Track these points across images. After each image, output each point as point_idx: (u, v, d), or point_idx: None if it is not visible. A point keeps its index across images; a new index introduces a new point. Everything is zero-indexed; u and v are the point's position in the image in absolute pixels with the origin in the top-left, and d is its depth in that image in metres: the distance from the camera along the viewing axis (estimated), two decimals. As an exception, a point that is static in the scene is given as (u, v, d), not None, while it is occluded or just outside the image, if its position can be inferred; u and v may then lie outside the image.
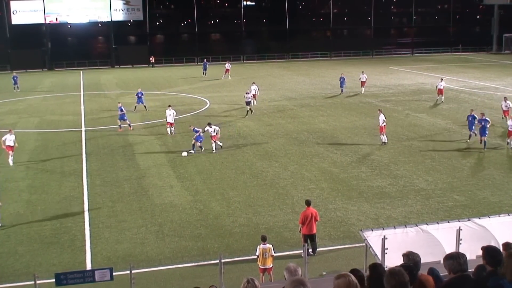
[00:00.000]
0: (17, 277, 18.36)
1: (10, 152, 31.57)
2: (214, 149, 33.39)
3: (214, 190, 26.74)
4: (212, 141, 33.50)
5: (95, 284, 15.22)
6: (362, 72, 56.40)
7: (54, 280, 14.60)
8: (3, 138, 31.65)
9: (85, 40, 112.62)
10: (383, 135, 34.52)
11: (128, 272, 14.83)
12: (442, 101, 48.09)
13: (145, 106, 47.57)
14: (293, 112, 45.87)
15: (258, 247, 17.21)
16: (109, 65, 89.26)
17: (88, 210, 24.38)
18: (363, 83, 55.01)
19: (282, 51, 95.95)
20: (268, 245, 17.15)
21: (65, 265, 19.10)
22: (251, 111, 44.52)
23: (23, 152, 33.90)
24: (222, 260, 15.50)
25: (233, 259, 18.95)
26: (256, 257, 17.28)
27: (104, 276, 14.56)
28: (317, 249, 19.50)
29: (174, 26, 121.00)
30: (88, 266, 18.99)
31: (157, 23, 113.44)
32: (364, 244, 15.05)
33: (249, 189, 26.74)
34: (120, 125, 40.08)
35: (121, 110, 39.92)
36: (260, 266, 17.15)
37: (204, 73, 72.57)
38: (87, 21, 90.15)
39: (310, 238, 19.12)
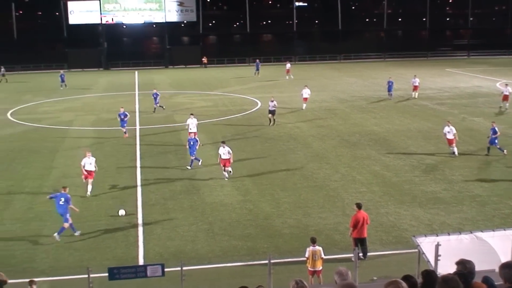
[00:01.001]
0: (71, 270, 18.84)
1: (89, 180, 27.02)
2: (226, 176, 28.68)
3: (264, 190, 26.86)
4: (222, 166, 28.63)
5: (146, 279, 15.54)
6: (414, 76, 54.62)
7: (107, 274, 14.97)
8: (82, 163, 27.35)
9: (139, 41, 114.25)
10: (452, 147, 32.48)
11: (179, 268, 15.08)
12: (506, 108, 45.33)
13: (162, 106, 47.80)
14: (345, 114, 45.64)
15: (307, 249, 17.18)
16: (163, 65, 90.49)
17: (141, 206, 24.84)
18: (415, 88, 53.00)
19: (334, 52, 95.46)
20: (318, 247, 17.09)
21: (118, 260, 19.53)
22: (274, 121, 41.89)
23: (79, 149, 34.73)
24: (271, 261, 15.60)
25: (282, 260, 18.96)
26: (305, 259, 17.28)
27: (155, 272, 14.83)
28: (368, 254, 19.32)
29: (227, 27, 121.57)
30: (141, 262, 19.37)
31: (210, 24, 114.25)
32: (416, 250, 14.87)
33: (299, 190, 26.76)
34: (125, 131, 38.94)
35: (124, 116, 38.77)
36: (309, 268, 17.09)
37: (257, 73, 72.70)
38: (142, 22, 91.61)
39: (360, 242, 18.95)
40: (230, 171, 28.73)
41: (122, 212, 23.96)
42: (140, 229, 22.31)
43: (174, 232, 21.97)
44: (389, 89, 53.06)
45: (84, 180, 27.04)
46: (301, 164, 31.26)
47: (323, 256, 17.10)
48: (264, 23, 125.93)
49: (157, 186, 27.74)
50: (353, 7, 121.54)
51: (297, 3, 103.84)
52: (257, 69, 73.69)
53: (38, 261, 19.47)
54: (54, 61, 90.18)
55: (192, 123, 35.69)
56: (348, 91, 58.34)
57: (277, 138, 37.35)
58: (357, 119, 43.38)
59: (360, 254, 18.25)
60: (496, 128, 32.19)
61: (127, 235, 21.71)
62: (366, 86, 61.64)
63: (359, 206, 19.38)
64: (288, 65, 71.26)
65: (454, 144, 32.42)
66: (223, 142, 29.20)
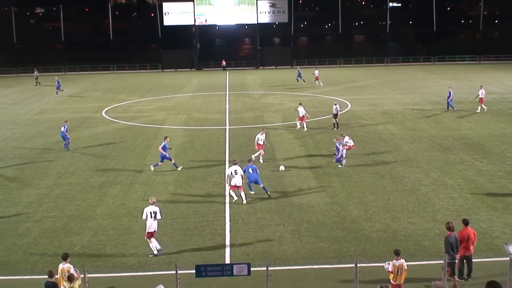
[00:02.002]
0: (160, 266, 19.27)
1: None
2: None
3: (352, 193, 26.53)
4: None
5: (232, 278, 15.66)
6: (481, 86, 48.87)
7: (194, 271, 15.19)
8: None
9: (231, 42, 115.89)
10: None
11: (265, 268, 15.09)
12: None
13: None
14: (437, 117, 44.45)
15: (390, 263, 16.26)
16: (254, 66, 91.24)
17: (229, 206, 25.08)
18: (481, 100, 46.67)
19: (428, 53, 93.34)
20: (402, 260, 16.16)
21: (205, 257, 19.80)
22: (338, 125, 41.06)
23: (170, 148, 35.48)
24: (358, 265, 15.36)
25: (369, 265, 18.65)
26: (388, 271, 16.54)
27: (241, 271, 14.90)
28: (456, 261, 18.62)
29: (318, 28, 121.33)
30: (227, 260, 19.55)
31: (301, 25, 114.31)
32: (508, 258, 14.28)
33: (388, 194, 26.26)
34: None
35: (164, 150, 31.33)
36: (392, 282, 16.25)
37: (301, 80, 68.31)
38: (235, 23, 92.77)
39: (466, 260, 18.09)
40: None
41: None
42: (227, 228, 22.52)
43: (261, 232, 22.04)
44: (449, 102, 47.22)
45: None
46: (391, 167, 30.68)
47: (405, 267, 16.37)
48: (356, 24, 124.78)
49: (245, 185, 27.88)
50: (448, 8, 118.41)
51: (390, 4, 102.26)
52: (299, 76, 68.78)
53: (127, 257, 20.00)
54: (149, 62, 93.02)
55: (260, 139, 32.60)
56: (442, 93, 56.73)
57: (367, 140, 36.85)
58: (450, 123, 42.16)
59: (465, 275, 17.61)
60: None
61: (214, 234, 21.97)
62: (460, 89, 59.79)
63: (466, 223, 17.98)
64: (317, 72, 68.09)
65: None
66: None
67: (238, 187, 25.38)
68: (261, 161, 32.14)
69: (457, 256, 17.17)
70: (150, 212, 20.21)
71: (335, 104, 41.49)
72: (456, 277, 17.14)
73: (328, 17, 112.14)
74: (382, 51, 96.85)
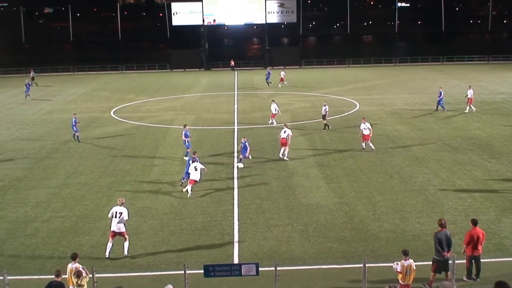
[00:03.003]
0: (168, 265, 19.27)
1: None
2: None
3: (360, 193, 26.47)
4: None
5: (240, 278, 15.66)
6: (469, 86, 48.87)
7: (202, 271, 15.20)
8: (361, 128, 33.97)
9: (240, 42, 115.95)
10: None
11: (273, 268, 15.09)
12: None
13: None
14: (446, 117, 44.29)
15: (399, 263, 16.21)
16: (262, 66, 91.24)
17: (238, 205, 25.08)
18: (470, 100, 46.64)
19: (437, 53, 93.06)
20: (410, 261, 16.12)
21: (214, 257, 19.80)
22: (326, 126, 40.68)
23: (179, 147, 35.58)
24: (366, 265, 15.32)
25: (377, 265, 18.61)
26: (396, 272, 16.47)
27: (250, 271, 14.91)
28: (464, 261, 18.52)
29: (327, 28, 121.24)
30: (235, 260, 19.55)
31: (310, 25, 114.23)
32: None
33: (397, 194, 26.18)
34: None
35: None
36: (401, 282, 16.20)
37: (269, 83, 67.45)
38: (243, 23, 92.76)
39: (474, 260, 17.99)
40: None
41: (240, 165, 30.83)
42: (236, 228, 22.52)
43: (269, 232, 22.03)
44: (439, 102, 47.05)
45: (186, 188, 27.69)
46: (400, 167, 30.60)
47: (414, 267, 16.30)
48: (365, 24, 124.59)
49: (253, 186, 27.94)
50: (457, 8, 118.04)
51: (399, 4, 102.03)
52: (268, 79, 67.75)
53: (136, 256, 20.02)
54: (157, 62, 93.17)
55: (285, 131, 32.97)
56: (451, 93, 56.54)
57: (376, 141, 36.74)
58: (459, 123, 42.01)
59: (473, 275, 17.54)
60: None
61: (223, 233, 21.97)
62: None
63: (474, 223, 17.91)
64: (283, 73, 67.59)
65: None
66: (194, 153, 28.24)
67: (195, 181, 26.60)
68: (286, 158, 32.39)
69: (446, 255, 17.10)
70: (116, 212, 20.11)
71: (324, 105, 41.30)
72: (449, 274, 17.05)
73: (336, 17, 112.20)
74: (391, 51, 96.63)
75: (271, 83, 66.90)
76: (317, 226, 22.43)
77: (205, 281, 16.56)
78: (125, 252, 19.98)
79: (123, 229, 20.09)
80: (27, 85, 62.03)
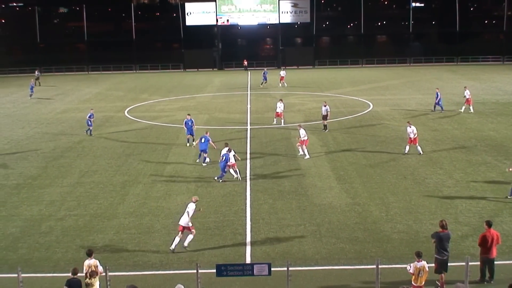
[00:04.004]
0: (181, 265, 19.33)
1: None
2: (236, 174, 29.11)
3: (373, 194, 26.40)
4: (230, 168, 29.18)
5: (253, 278, 15.66)
6: (465, 87, 48.65)
7: (215, 270, 15.23)
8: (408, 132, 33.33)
9: (253, 42, 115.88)
10: None
11: (285, 268, 15.08)
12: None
13: None
14: (460, 118, 44.07)
15: (411, 264, 16.17)
16: (275, 66, 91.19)
17: (250, 205, 25.10)
18: (468, 101, 46.55)
19: (451, 54, 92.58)
20: (423, 262, 16.06)
21: (226, 257, 19.83)
22: (325, 127, 40.36)
23: (191, 149, 35.61)
24: (379, 266, 15.28)
25: (390, 266, 18.56)
26: (410, 273, 16.44)
27: (262, 271, 14.91)
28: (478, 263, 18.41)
29: (340, 28, 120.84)
30: (248, 260, 19.56)
31: (323, 25, 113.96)
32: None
33: (410, 195, 26.08)
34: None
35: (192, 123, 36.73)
36: (414, 284, 16.12)
37: (263, 84, 67.85)
38: (256, 23, 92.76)
39: (488, 263, 17.82)
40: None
41: (207, 160, 31.72)
42: (248, 227, 22.53)
43: (281, 232, 22.03)
44: (438, 102, 46.91)
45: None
46: (413, 168, 30.48)
47: (427, 269, 16.22)
48: (379, 24, 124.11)
49: (265, 185, 27.94)
50: (471, 8, 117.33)
51: (413, 4, 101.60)
52: (265, 79, 68.10)
53: (149, 255, 20.09)
54: (171, 61, 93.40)
55: (302, 133, 33.39)
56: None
57: (389, 141, 36.65)
58: (473, 124, 41.78)
59: (487, 277, 17.46)
60: None
61: (235, 233, 21.99)
62: (483, 90, 59.26)
63: (489, 224, 17.79)
64: (283, 73, 67.65)
65: None
66: (226, 144, 29.82)
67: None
68: (307, 155, 32.65)
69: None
70: (188, 207, 20.81)
71: (325, 105, 40.84)
72: (443, 274, 17.10)
73: (350, 17, 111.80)
74: (405, 51, 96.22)
75: (262, 84, 67.34)
76: (330, 227, 22.39)
77: (217, 281, 16.59)
78: (185, 244, 20.37)
79: (190, 224, 20.57)
80: (31, 86, 62.51)
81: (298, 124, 35.67)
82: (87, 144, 38.00)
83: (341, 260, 19.44)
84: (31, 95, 61.28)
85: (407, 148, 33.47)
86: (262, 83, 67.75)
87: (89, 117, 40.67)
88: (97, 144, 37.84)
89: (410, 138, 33.26)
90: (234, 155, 29.08)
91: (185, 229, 20.45)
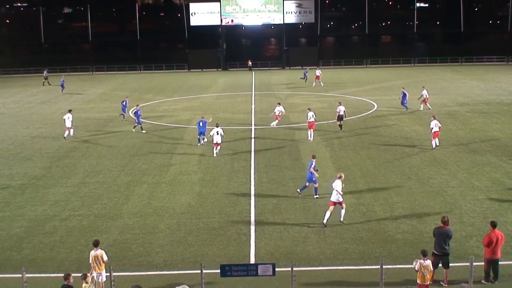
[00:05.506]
0: (185, 265, 19.33)
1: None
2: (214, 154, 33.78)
3: (377, 194, 26.37)
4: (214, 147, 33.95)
5: (257, 278, 15.66)
6: (423, 87, 49.51)
7: (219, 270, 15.23)
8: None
9: (258, 42, 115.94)
10: None
11: (290, 269, 15.08)
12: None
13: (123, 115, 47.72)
14: (465, 118, 44.00)
15: (417, 262, 16.17)
16: (280, 66, 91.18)
17: (254, 205, 25.09)
18: (425, 100, 47.89)
19: (456, 54, 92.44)
20: (428, 261, 16.10)
21: (230, 257, 19.83)
22: (341, 127, 40.43)
23: (196, 148, 35.65)
24: (384, 266, 15.25)
25: (394, 266, 18.54)
26: (415, 271, 16.44)
27: (266, 271, 14.92)
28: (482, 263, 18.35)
29: (345, 28, 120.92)
30: (252, 260, 19.56)
31: (328, 26, 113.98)
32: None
33: (415, 195, 26.04)
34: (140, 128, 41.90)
35: (204, 124, 36.92)
36: (419, 282, 16.12)
37: (305, 80, 69.70)
38: (261, 24, 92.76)
39: (492, 264, 17.81)
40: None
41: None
42: (252, 228, 22.52)
43: (286, 232, 22.01)
44: (403, 101, 47.93)
45: None
46: (417, 168, 30.43)
47: (431, 269, 16.22)
48: (383, 24, 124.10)
49: (270, 185, 27.95)
50: (476, 9, 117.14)
51: (418, 4, 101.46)
52: (305, 77, 69.76)
53: (153, 255, 20.11)
54: (175, 62, 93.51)
55: (311, 116, 37.87)
56: (469, 94, 56.22)
57: (393, 142, 36.61)
58: (478, 124, 41.70)
59: (491, 277, 17.42)
60: None
61: (239, 233, 21.99)
62: (488, 90, 59.14)
63: (493, 225, 17.74)
64: (318, 72, 67.93)
65: None
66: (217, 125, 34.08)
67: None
68: (309, 137, 36.51)
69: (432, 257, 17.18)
70: (336, 186, 22.52)
71: (340, 105, 40.74)
72: (446, 271, 17.15)
73: (354, 17, 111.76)
74: (409, 51, 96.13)
75: (305, 81, 69.00)
76: (334, 227, 22.37)
77: (222, 281, 16.60)
78: (341, 218, 22.36)
79: (341, 199, 22.35)
80: (61, 83, 66.75)
81: (308, 108, 39.26)
82: (92, 145, 38.06)
83: (345, 260, 19.42)
84: (62, 90, 65.80)
85: (434, 142, 34.55)
86: (305, 80, 69.37)
87: (124, 104, 46.90)
88: (101, 145, 37.89)
89: (434, 131, 34.39)
90: (222, 135, 33.34)
91: (337, 204, 22.32)
